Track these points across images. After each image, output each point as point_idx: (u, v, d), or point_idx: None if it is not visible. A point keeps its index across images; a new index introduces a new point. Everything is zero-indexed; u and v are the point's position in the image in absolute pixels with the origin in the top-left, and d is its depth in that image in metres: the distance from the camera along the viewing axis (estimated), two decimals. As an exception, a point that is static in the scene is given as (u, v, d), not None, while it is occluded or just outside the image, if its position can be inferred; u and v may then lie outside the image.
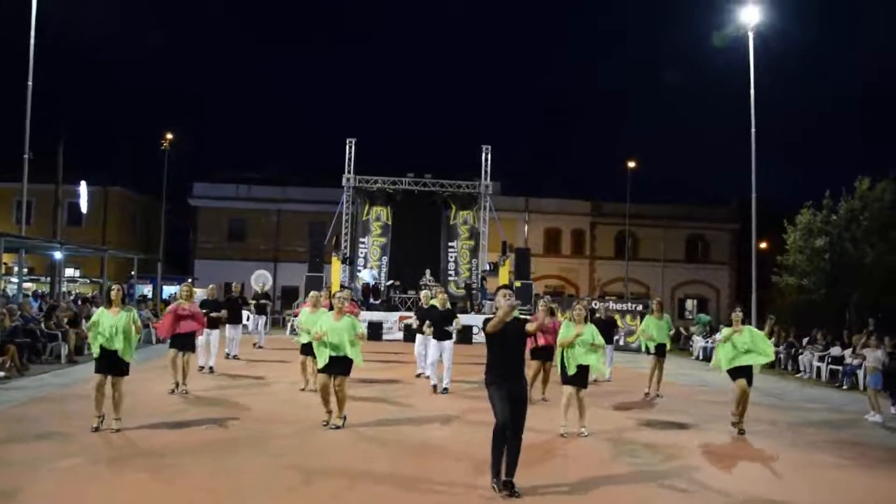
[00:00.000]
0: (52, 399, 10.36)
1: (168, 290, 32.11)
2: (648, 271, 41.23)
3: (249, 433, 8.24)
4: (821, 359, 17.48)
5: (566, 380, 8.69)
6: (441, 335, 11.75)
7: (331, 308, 9.12)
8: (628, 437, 8.94)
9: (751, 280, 21.88)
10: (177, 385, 10.80)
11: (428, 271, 25.62)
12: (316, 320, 8.95)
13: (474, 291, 27.64)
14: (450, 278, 29.27)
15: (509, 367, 6.22)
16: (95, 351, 8.16)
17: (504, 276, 27.21)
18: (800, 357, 18.40)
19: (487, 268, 29.26)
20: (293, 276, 34.73)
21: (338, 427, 8.45)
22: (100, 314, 8.21)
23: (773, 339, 10.78)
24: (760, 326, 9.90)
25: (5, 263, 25.02)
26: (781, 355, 19.54)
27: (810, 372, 17.68)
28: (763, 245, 33.53)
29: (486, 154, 29.27)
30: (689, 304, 42.06)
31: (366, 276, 27.77)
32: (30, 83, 19.94)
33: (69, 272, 33.56)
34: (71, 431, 7.97)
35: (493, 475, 6.09)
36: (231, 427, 8.57)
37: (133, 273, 23.58)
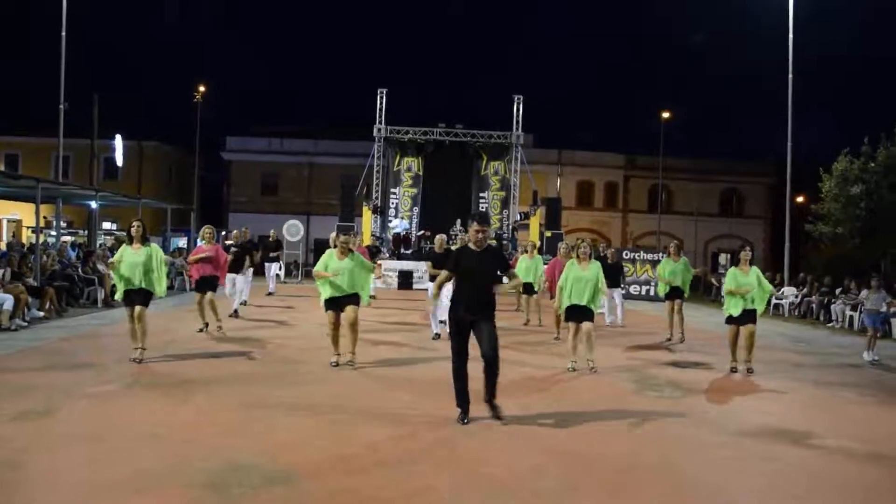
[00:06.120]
0: (88, 336, 10.75)
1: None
2: (682, 225, 40.75)
3: (272, 368, 8.48)
4: (853, 308, 17.25)
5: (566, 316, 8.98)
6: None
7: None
8: (644, 374, 9.00)
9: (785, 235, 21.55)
10: (206, 325, 11.09)
11: (458, 221, 25.71)
12: (327, 262, 8.66)
13: (505, 242, 27.67)
14: (480, 229, 29.29)
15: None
16: (120, 291, 8.38)
17: (535, 226, 27.17)
18: (832, 307, 18.18)
19: (518, 218, 29.26)
20: (325, 230, 34.93)
21: (350, 364, 8.36)
22: (122, 252, 8.37)
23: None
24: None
25: (44, 217, 25.47)
26: (814, 305, 19.33)
27: (842, 321, 17.48)
28: (799, 199, 32.90)
29: (518, 104, 29.08)
30: (723, 257, 41.61)
31: (397, 226, 27.95)
32: (63, 34, 20.20)
33: (106, 225, 34.14)
34: (105, 362, 8.30)
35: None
36: (254, 362, 8.85)
37: (167, 226, 23.95)
